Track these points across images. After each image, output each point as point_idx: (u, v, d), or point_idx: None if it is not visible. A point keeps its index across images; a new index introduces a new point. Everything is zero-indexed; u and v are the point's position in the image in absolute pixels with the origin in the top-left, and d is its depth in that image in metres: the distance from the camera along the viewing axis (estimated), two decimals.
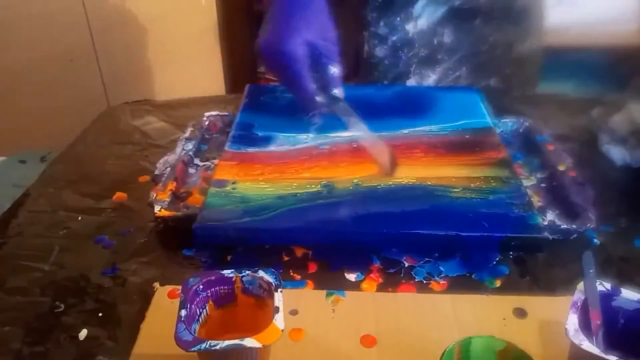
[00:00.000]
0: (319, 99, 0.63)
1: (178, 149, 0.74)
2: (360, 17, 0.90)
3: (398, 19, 0.88)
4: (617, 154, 0.75)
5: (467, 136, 0.75)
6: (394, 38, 0.89)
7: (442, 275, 0.57)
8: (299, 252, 0.60)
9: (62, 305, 0.54)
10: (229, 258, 0.59)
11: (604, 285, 0.45)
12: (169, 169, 0.70)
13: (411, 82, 0.92)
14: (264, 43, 0.62)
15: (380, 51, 0.90)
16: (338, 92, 0.63)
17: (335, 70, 0.63)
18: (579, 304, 0.44)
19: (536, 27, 0.96)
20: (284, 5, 0.63)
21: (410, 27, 0.88)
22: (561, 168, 0.68)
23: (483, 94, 0.84)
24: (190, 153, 0.74)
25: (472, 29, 0.90)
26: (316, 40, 0.62)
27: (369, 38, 0.91)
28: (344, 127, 0.77)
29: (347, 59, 0.69)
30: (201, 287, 0.46)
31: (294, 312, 0.52)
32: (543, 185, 0.68)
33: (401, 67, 0.91)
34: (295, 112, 0.80)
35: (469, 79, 0.93)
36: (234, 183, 0.66)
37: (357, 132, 0.65)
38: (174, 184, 0.67)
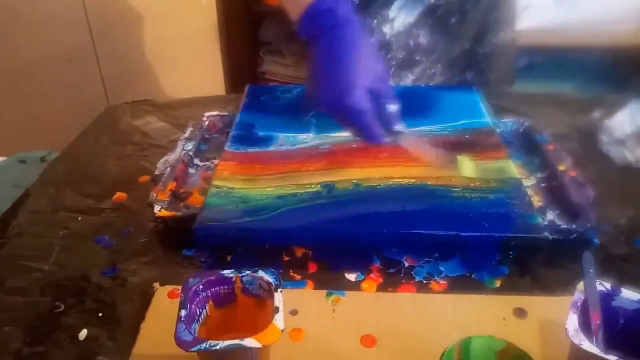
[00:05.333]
0: (386, 139, 0.63)
1: (178, 149, 0.74)
2: None
3: (375, 21, 0.88)
4: (617, 154, 0.75)
5: (467, 136, 0.75)
6: (371, 41, 0.88)
7: (442, 275, 0.57)
8: (299, 252, 0.60)
9: (62, 305, 0.54)
10: (229, 258, 0.59)
11: (604, 285, 0.45)
12: (169, 169, 0.70)
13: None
14: (327, 98, 0.61)
15: None
16: (400, 127, 0.65)
17: (394, 107, 0.64)
18: (579, 304, 0.44)
19: (508, 18, 0.96)
20: (337, 56, 0.61)
21: (387, 29, 0.88)
22: (561, 168, 0.68)
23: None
24: (190, 153, 0.74)
25: (447, 26, 0.90)
26: (374, 85, 0.62)
27: None
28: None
29: None
30: (201, 287, 0.45)
31: (294, 312, 0.52)
32: (543, 185, 0.68)
33: None
34: (295, 112, 0.80)
35: (443, 75, 0.93)
36: (234, 183, 0.66)
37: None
38: (174, 184, 0.67)
